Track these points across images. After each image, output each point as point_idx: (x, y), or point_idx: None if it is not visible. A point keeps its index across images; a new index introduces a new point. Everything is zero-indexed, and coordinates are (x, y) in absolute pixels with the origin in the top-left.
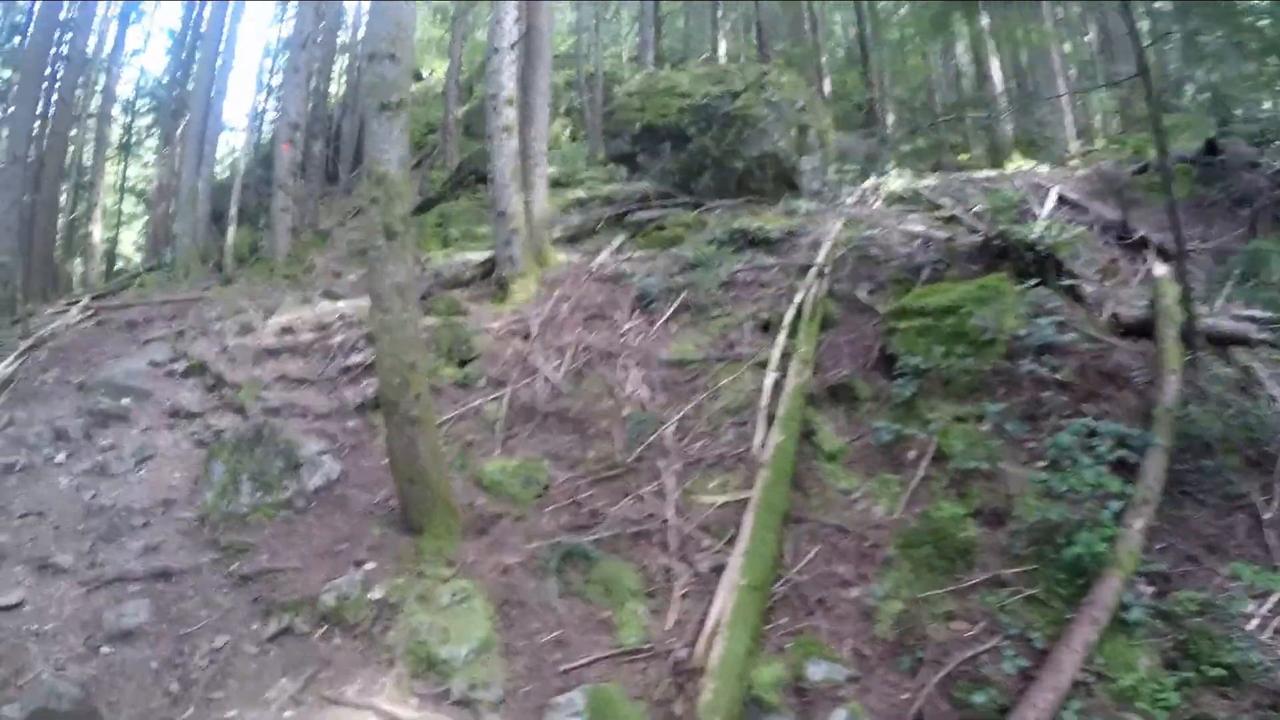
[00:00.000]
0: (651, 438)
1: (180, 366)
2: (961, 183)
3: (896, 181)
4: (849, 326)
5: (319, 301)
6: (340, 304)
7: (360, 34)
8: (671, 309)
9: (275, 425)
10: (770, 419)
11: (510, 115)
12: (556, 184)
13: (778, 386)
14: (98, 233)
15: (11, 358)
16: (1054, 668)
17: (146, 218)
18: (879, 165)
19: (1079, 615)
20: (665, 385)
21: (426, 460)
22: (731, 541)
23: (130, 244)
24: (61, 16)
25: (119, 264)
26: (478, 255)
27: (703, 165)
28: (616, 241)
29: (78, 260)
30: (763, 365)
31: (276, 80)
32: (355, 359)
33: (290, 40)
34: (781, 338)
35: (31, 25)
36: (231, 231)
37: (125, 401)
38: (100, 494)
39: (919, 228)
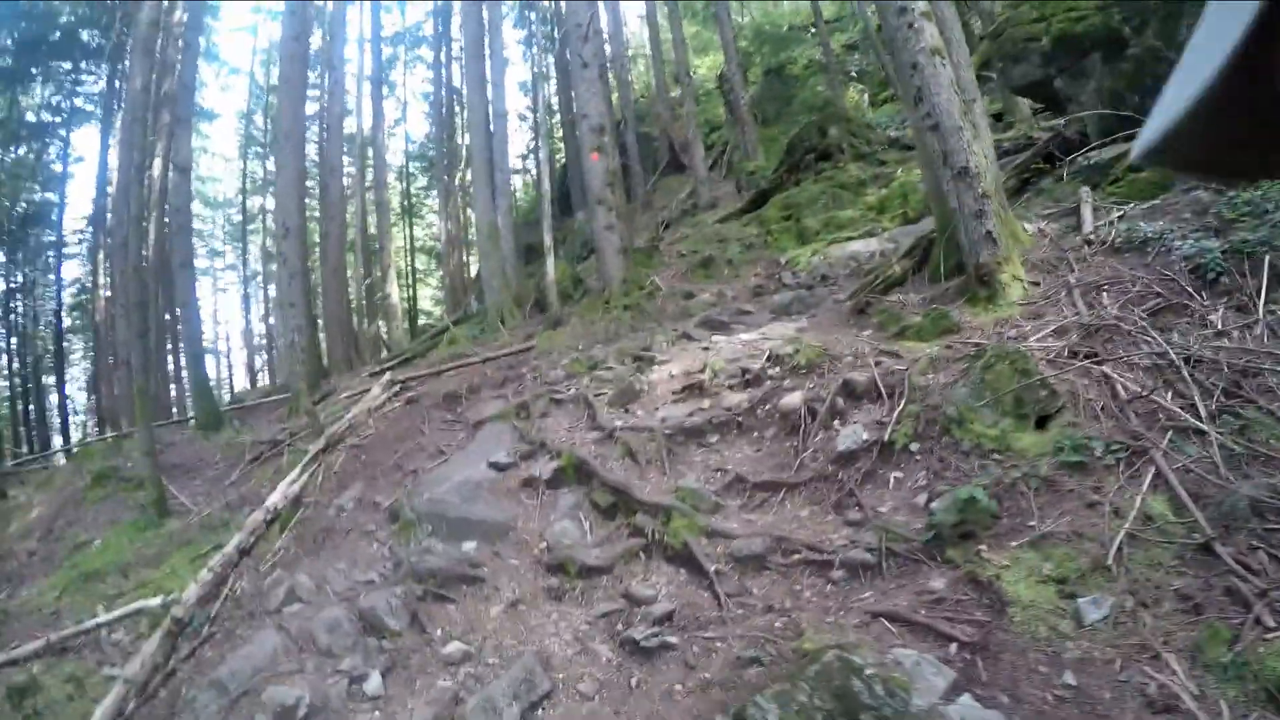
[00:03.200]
0: None
1: (542, 469)
2: None
3: None
4: None
5: (703, 337)
6: (745, 336)
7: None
8: (1264, 282)
9: (846, 659)
10: None
11: (933, 33)
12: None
13: None
14: (395, 293)
15: (297, 470)
16: None
17: (440, 272)
18: None
19: None
20: None
21: None
22: None
23: (428, 299)
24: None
25: (421, 320)
26: (866, 244)
27: (1157, 75)
28: (1087, 196)
29: (380, 323)
30: None
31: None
32: (855, 435)
33: (566, 37)
34: None
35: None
36: (550, 264)
37: (469, 548)
38: None
39: None
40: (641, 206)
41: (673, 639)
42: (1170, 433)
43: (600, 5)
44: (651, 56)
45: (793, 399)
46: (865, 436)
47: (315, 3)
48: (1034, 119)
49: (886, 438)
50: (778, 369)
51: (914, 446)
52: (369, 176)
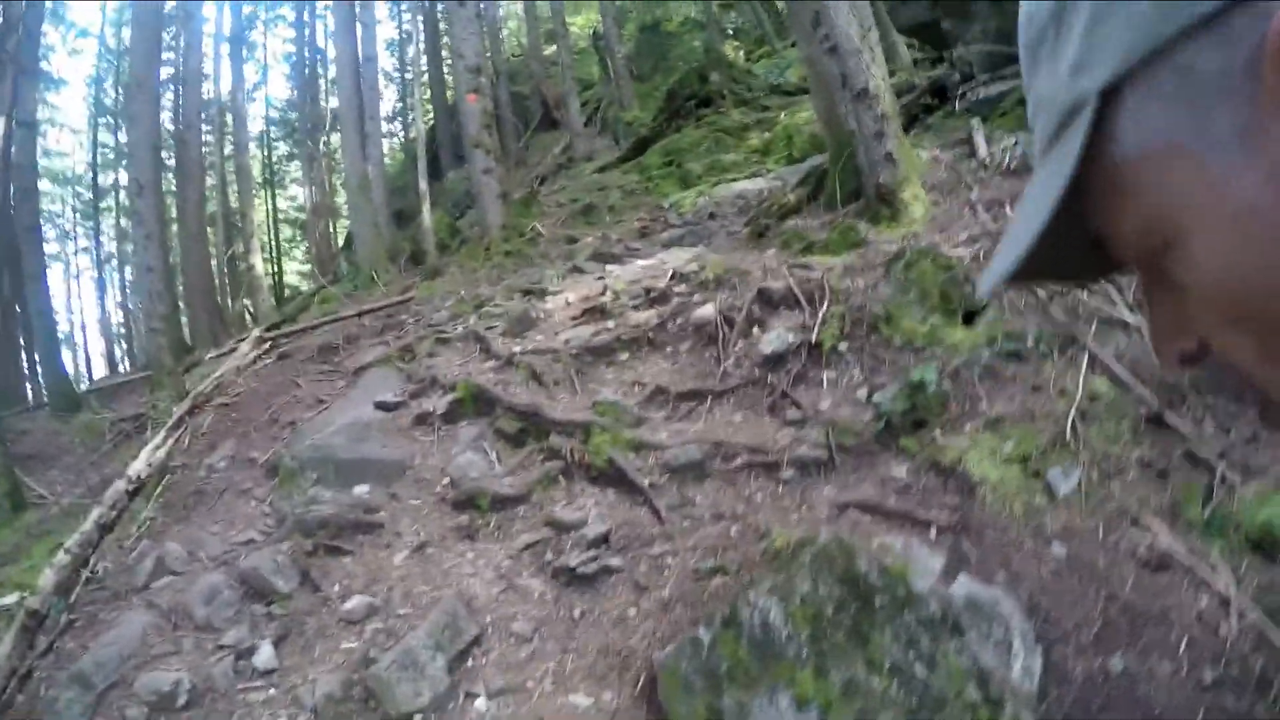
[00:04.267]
0: None
1: (436, 404)
2: None
3: None
4: None
5: (596, 269)
6: (642, 262)
7: None
8: None
9: (844, 542)
10: None
11: None
12: (803, 90)
13: None
14: (259, 265)
15: (161, 435)
16: None
17: (306, 244)
18: None
19: None
20: None
21: None
22: None
23: (294, 273)
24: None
25: (288, 294)
26: (754, 183)
27: None
28: (978, 126)
29: (245, 300)
30: None
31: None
32: (781, 338)
33: None
34: None
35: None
36: (427, 211)
37: (362, 492)
38: None
39: None
40: (515, 163)
41: (615, 561)
42: (1096, 323)
43: None
44: (525, 14)
45: (705, 311)
46: (791, 339)
47: None
48: (914, 67)
49: (814, 339)
50: (684, 286)
51: (843, 346)
52: (228, 144)
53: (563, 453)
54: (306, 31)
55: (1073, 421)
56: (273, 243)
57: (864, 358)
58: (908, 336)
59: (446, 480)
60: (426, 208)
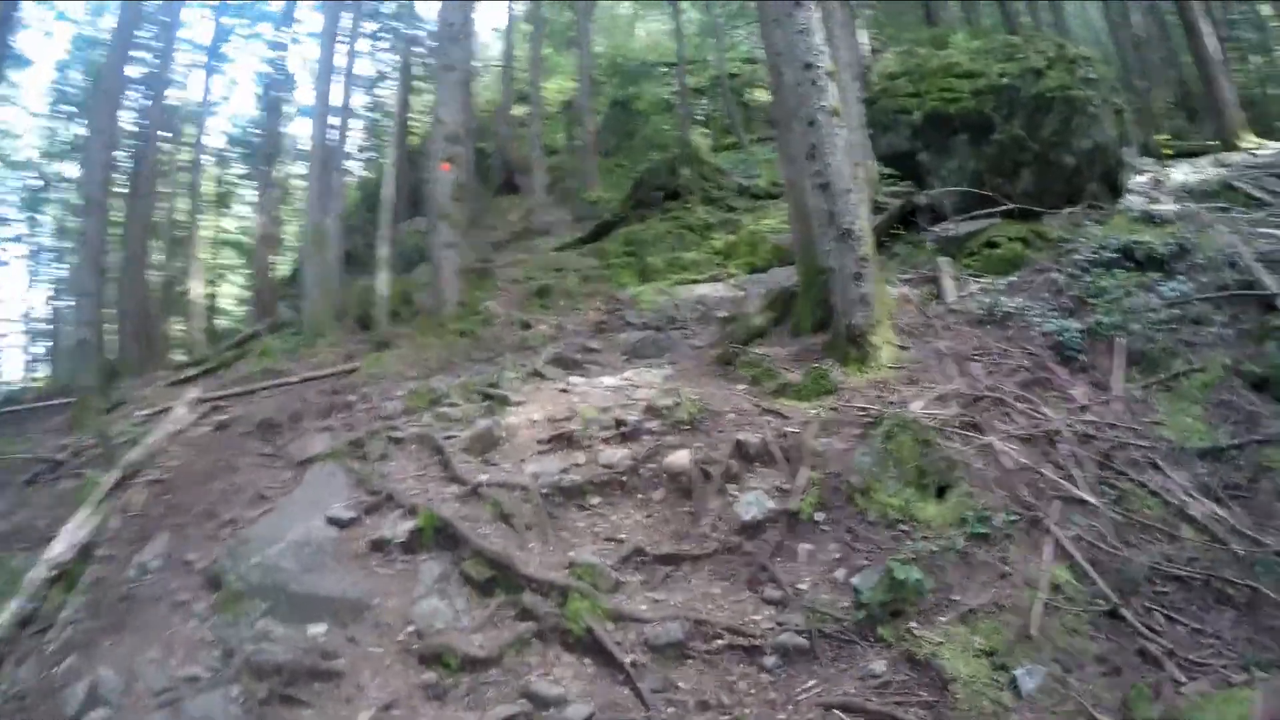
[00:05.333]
0: None
1: (394, 529)
2: (1251, 169)
3: (1176, 174)
4: None
5: (558, 376)
6: (609, 381)
7: None
8: (1119, 364)
9: None
10: None
11: (835, 94)
12: (771, 196)
13: None
14: (197, 289)
15: (88, 510)
16: None
17: (248, 271)
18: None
19: None
20: (1228, 491)
21: None
22: None
23: (230, 298)
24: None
25: (221, 321)
26: (714, 289)
27: (1018, 163)
28: (946, 266)
29: (176, 321)
30: None
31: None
32: (759, 503)
33: (438, 34)
34: None
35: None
36: (384, 279)
37: (317, 632)
38: None
39: None
40: (470, 224)
41: None
42: (1058, 503)
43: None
44: (503, 73)
45: (680, 458)
46: (770, 505)
47: None
48: (880, 181)
49: (793, 507)
50: (657, 422)
51: (819, 516)
52: (183, 156)
53: (537, 613)
54: (282, 54)
55: (1037, 614)
56: (214, 264)
57: (841, 530)
58: (883, 510)
59: (410, 628)
60: (384, 275)
